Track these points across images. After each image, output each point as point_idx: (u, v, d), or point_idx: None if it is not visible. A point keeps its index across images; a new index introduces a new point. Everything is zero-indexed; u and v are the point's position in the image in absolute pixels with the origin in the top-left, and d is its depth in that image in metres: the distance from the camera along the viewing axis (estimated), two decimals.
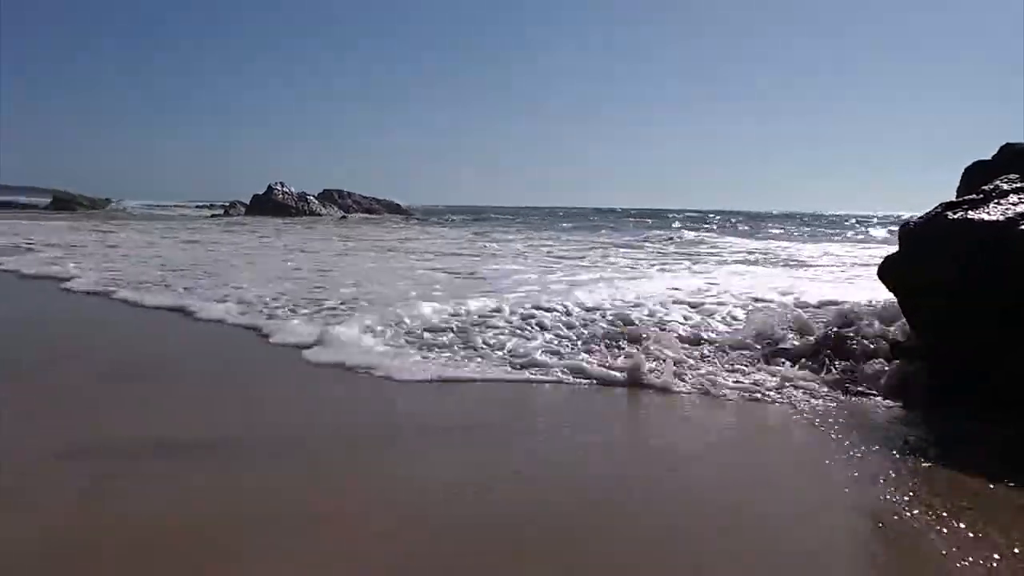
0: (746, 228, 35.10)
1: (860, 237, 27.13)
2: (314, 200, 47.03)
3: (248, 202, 45.58)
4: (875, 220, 49.35)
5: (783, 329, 5.64)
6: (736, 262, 14.24)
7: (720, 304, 7.21)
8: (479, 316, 6.64)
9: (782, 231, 32.60)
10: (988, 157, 5.18)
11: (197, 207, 54.34)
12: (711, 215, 59.87)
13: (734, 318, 6.58)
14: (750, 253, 16.86)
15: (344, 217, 44.45)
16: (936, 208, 4.63)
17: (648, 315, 6.70)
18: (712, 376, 4.80)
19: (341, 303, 7.59)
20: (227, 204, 48.72)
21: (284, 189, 45.84)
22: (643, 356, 5.03)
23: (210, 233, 23.36)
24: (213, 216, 42.21)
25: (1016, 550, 2.46)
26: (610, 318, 6.52)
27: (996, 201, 4.41)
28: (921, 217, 4.68)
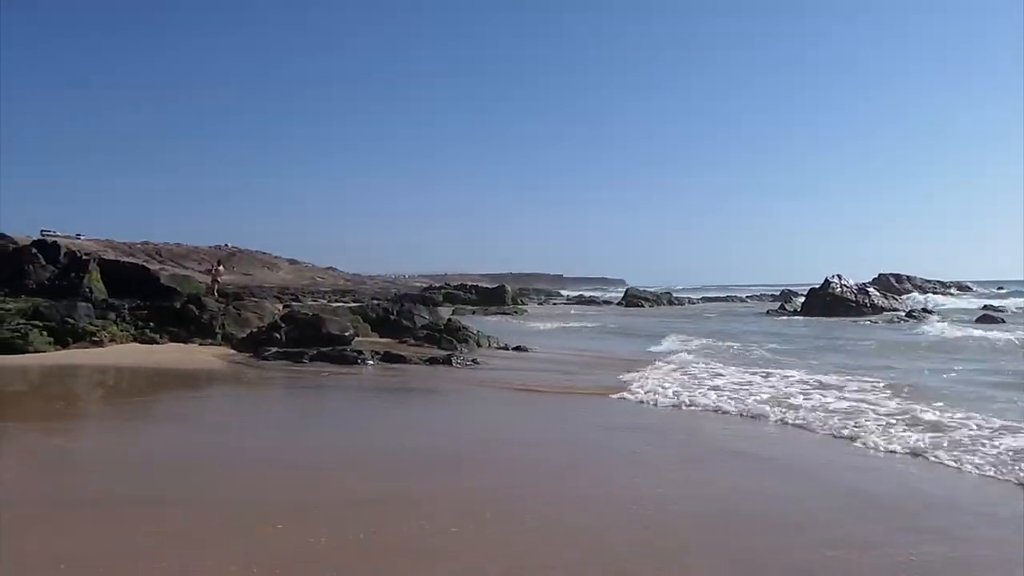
0: None
1: None
2: (875, 293, 42.51)
3: (805, 294, 43.55)
4: None
5: None
6: None
7: None
8: None
9: None
10: None
11: (747, 297, 54.43)
12: None
13: None
14: None
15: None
16: None
17: None
18: None
19: None
20: (781, 297, 47.66)
21: (843, 282, 42.24)
22: None
23: None
24: (768, 313, 41.37)
25: None
26: None
27: None
28: None
